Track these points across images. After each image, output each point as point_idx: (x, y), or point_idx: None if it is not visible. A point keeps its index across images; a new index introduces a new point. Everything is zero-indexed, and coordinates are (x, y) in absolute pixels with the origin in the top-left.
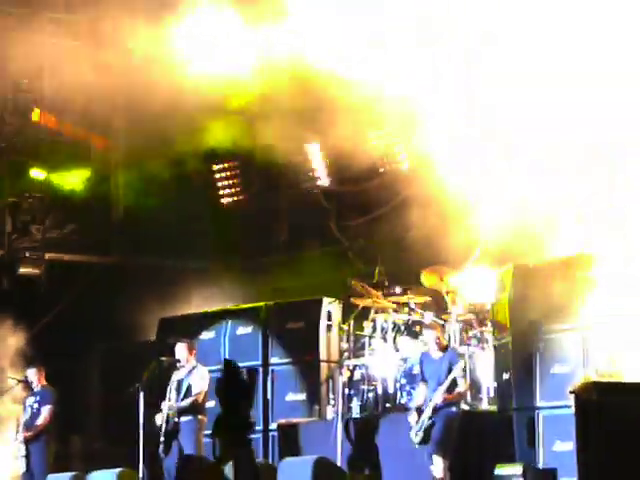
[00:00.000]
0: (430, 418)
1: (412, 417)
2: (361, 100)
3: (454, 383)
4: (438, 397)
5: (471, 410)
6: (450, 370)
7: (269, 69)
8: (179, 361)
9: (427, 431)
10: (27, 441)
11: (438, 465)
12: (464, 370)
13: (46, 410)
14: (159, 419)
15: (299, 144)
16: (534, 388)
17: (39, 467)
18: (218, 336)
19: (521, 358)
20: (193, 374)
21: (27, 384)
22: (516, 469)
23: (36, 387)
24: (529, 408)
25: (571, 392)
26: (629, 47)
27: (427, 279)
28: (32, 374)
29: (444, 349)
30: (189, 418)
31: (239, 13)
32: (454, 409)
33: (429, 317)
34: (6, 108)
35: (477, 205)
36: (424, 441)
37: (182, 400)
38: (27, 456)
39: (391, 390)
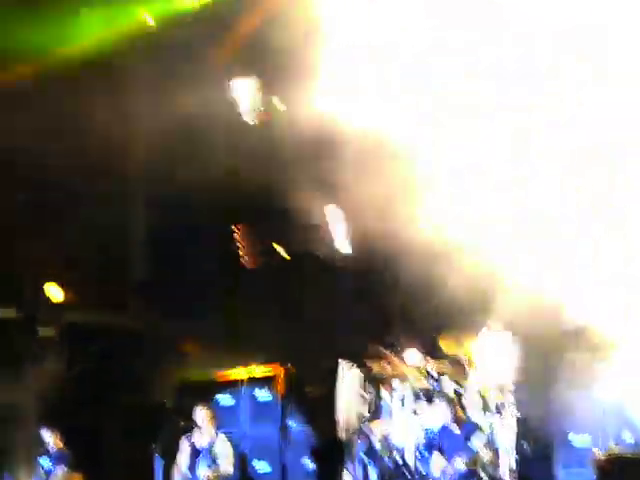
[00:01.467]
0: None
1: None
2: None
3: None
4: (460, 466)
5: None
6: (469, 440)
7: None
8: (197, 426)
9: None
10: None
11: None
12: (486, 442)
13: (60, 472)
14: None
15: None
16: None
17: None
18: (237, 400)
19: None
20: (218, 445)
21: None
22: None
23: (51, 448)
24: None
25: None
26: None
27: (446, 344)
28: (47, 436)
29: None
30: None
31: None
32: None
33: (448, 384)
34: None
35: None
36: None
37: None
38: None
39: (410, 459)
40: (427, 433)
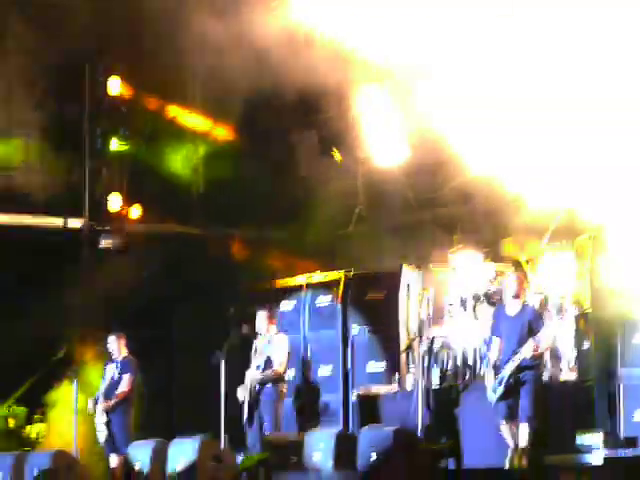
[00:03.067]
0: (512, 376)
1: (489, 375)
2: None
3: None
4: (527, 352)
5: (551, 380)
6: (530, 326)
7: None
8: (259, 329)
9: (509, 388)
10: (108, 410)
11: (523, 431)
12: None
13: (127, 379)
14: (241, 393)
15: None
16: (615, 358)
17: (121, 435)
18: (298, 307)
19: (602, 327)
20: (273, 344)
21: (108, 352)
22: (597, 437)
23: (117, 356)
24: (610, 377)
25: None
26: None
27: (507, 248)
28: (112, 342)
29: (522, 302)
30: (270, 388)
31: None
32: (540, 371)
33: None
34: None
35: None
36: (503, 398)
37: (263, 371)
38: (108, 424)
39: (471, 360)
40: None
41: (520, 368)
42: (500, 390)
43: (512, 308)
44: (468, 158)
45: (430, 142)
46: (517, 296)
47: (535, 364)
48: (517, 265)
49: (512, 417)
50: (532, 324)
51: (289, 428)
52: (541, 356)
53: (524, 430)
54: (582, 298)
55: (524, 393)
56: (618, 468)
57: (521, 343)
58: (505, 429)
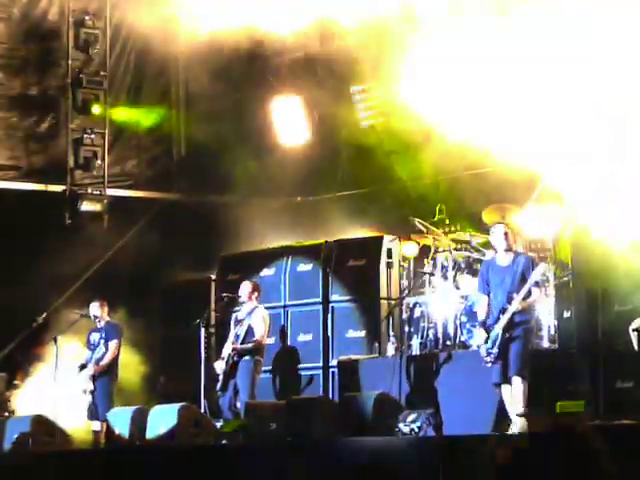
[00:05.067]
0: (505, 331)
1: (479, 334)
2: None
3: (528, 291)
4: (515, 305)
5: (532, 349)
6: (523, 276)
7: None
8: (240, 298)
9: (503, 346)
10: (95, 375)
11: (518, 387)
12: (545, 275)
13: (113, 345)
14: (218, 366)
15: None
16: (596, 326)
17: (103, 402)
18: (278, 273)
19: (583, 296)
20: (254, 315)
21: (90, 319)
22: (578, 406)
23: (100, 322)
24: (591, 346)
25: (634, 330)
26: None
27: (488, 217)
28: (95, 308)
29: (513, 252)
30: (247, 359)
31: None
32: (531, 323)
33: (490, 255)
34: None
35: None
36: (498, 357)
37: (242, 341)
38: (92, 391)
39: (451, 328)
40: (468, 302)
41: (511, 324)
42: (495, 351)
43: (503, 259)
44: (450, 126)
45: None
46: (509, 248)
47: (526, 319)
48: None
49: (507, 376)
50: (526, 274)
51: (265, 397)
52: (531, 309)
53: (518, 386)
54: (564, 267)
55: (515, 348)
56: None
57: (513, 295)
58: (505, 391)
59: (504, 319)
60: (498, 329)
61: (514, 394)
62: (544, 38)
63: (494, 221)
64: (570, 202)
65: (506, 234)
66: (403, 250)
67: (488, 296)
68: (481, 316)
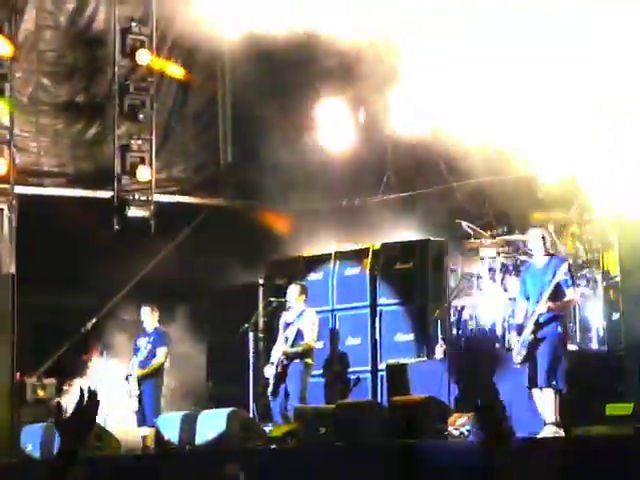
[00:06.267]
0: (533, 333)
1: (513, 337)
2: None
3: (560, 292)
4: (542, 306)
5: (580, 350)
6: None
7: None
8: (289, 301)
9: (530, 348)
10: (140, 380)
11: (548, 397)
12: (570, 273)
13: (161, 352)
14: (268, 371)
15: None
16: None
17: (151, 407)
18: (326, 278)
19: (631, 298)
20: (303, 318)
21: (139, 324)
22: (627, 408)
23: (149, 328)
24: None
25: None
26: None
27: (535, 220)
28: (146, 314)
29: (550, 254)
30: (297, 362)
31: None
32: (559, 329)
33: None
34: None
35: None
36: (526, 360)
37: (292, 345)
38: (139, 395)
39: (499, 330)
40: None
41: (537, 325)
42: (523, 354)
43: (540, 262)
44: (494, 129)
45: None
46: (546, 253)
47: (552, 319)
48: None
49: (536, 382)
50: (556, 270)
51: (315, 400)
52: (561, 310)
53: (549, 396)
54: (611, 268)
55: (542, 351)
56: None
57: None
58: (536, 396)
59: (530, 321)
60: (527, 331)
61: (545, 404)
62: (544, 40)
63: (540, 223)
64: (615, 204)
65: (543, 238)
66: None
67: (527, 300)
68: (518, 319)
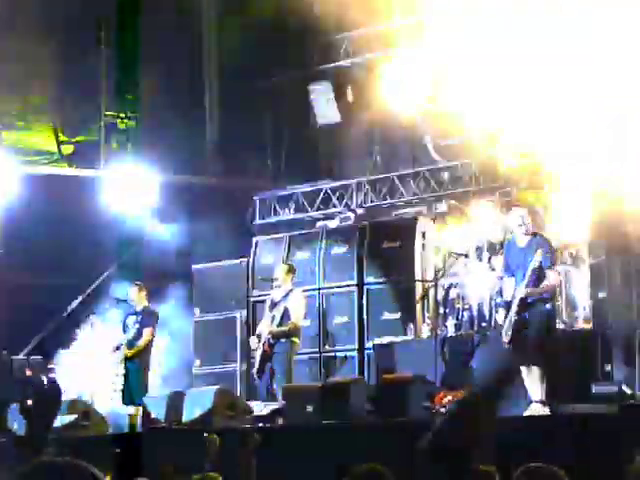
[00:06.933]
0: (518, 314)
1: (500, 314)
2: None
3: (542, 274)
4: (521, 291)
5: (566, 328)
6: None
7: None
8: (276, 280)
9: (516, 328)
10: (126, 360)
11: (535, 375)
12: (549, 254)
13: (147, 331)
14: (254, 342)
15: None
16: (632, 306)
17: (137, 386)
18: (313, 256)
19: (618, 276)
20: (290, 298)
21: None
22: (613, 388)
23: (137, 306)
24: (627, 326)
25: None
26: None
27: (522, 196)
28: (133, 293)
29: (531, 233)
30: (283, 341)
31: None
32: (547, 306)
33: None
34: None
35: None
36: (513, 339)
37: (279, 324)
38: (125, 375)
39: (486, 309)
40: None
41: (523, 306)
42: (510, 334)
43: (522, 240)
44: (484, 107)
45: (449, 90)
46: (526, 232)
47: (539, 299)
48: (533, 213)
49: (524, 360)
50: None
51: (302, 379)
52: (541, 294)
53: (535, 373)
54: (598, 246)
55: (528, 332)
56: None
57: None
58: (524, 374)
59: (514, 302)
60: (512, 311)
61: (529, 382)
62: (543, 38)
63: (528, 200)
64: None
65: (522, 217)
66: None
67: (514, 277)
68: (506, 296)
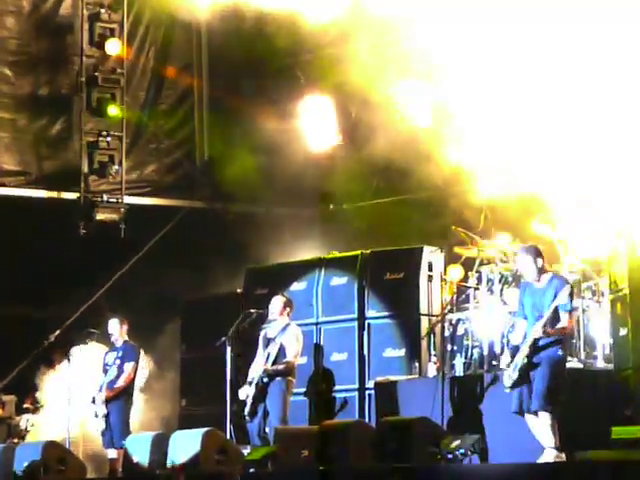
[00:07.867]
0: (527, 357)
1: (505, 358)
2: None
3: (557, 316)
4: (537, 330)
5: (584, 368)
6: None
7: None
8: (270, 315)
9: (523, 372)
10: (108, 400)
11: (545, 422)
12: (570, 297)
13: (129, 367)
14: (243, 393)
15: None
16: None
17: (119, 427)
18: (310, 287)
19: None
20: (287, 333)
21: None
22: (635, 432)
23: (117, 341)
24: None
25: None
26: None
27: (538, 227)
28: (114, 326)
29: (550, 272)
30: (278, 380)
31: None
32: (559, 352)
33: None
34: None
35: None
36: (517, 384)
37: (274, 362)
38: (107, 415)
39: (497, 347)
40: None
41: (535, 349)
42: (514, 377)
43: (540, 280)
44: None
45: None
46: (540, 273)
47: (551, 342)
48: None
49: (525, 407)
50: (557, 293)
51: (297, 421)
52: (556, 336)
53: (545, 421)
54: (619, 280)
55: (538, 377)
56: None
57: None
58: (530, 421)
59: (525, 344)
60: (521, 354)
61: (541, 429)
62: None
63: (543, 232)
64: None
65: (535, 260)
66: (450, 274)
67: (526, 320)
68: (515, 341)
